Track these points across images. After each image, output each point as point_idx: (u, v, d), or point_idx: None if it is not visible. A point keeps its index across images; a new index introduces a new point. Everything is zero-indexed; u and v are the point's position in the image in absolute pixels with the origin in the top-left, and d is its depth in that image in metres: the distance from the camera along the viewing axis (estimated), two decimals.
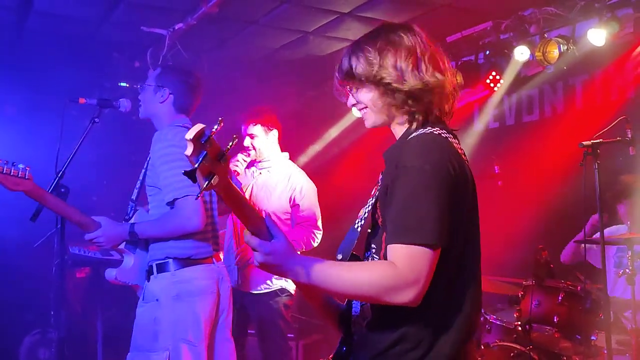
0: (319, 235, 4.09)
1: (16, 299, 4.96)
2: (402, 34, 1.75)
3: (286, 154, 4.25)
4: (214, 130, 1.39)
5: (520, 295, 3.76)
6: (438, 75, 1.73)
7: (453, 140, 1.72)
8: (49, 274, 4.14)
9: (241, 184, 4.15)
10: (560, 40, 4.63)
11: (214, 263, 3.06)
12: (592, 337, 3.40)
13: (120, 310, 4.64)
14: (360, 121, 6.53)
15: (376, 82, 1.72)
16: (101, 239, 2.97)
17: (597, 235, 3.53)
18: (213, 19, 4.83)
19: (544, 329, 3.64)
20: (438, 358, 1.63)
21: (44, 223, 3.06)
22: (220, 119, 1.41)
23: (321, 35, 5.50)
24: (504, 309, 4.17)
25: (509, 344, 3.66)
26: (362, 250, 1.82)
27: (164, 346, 2.84)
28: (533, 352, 3.51)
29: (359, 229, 1.77)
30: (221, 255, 3.24)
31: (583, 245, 3.78)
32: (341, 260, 1.75)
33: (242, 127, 4.12)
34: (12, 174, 2.77)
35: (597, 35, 4.41)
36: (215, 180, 1.40)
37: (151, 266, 2.99)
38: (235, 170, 4.17)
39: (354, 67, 1.76)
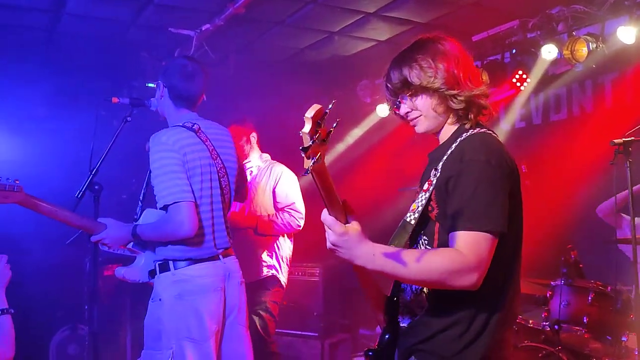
0: (299, 218, 4.28)
1: (47, 296, 5.04)
2: (446, 44, 1.89)
3: (267, 155, 4.55)
4: (327, 111, 1.46)
5: (548, 296, 3.73)
6: (478, 79, 1.88)
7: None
8: (80, 271, 4.23)
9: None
10: (589, 38, 4.57)
11: (220, 259, 3.02)
12: (623, 338, 3.39)
13: None
14: (384, 121, 6.49)
15: (435, 88, 1.84)
16: (107, 240, 3.00)
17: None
18: (240, 20, 4.87)
19: (574, 330, 3.61)
20: (486, 341, 1.74)
21: None
22: (334, 100, 1.51)
23: (346, 35, 5.50)
24: (531, 309, 4.14)
25: (537, 344, 3.63)
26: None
27: (168, 345, 2.84)
28: (562, 352, 3.48)
29: (413, 221, 1.84)
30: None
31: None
32: None
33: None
34: None
35: (627, 33, 4.34)
36: (319, 159, 1.46)
37: (155, 266, 3.00)
38: (250, 170, 4.34)
39: (408, 76, 1.86)
